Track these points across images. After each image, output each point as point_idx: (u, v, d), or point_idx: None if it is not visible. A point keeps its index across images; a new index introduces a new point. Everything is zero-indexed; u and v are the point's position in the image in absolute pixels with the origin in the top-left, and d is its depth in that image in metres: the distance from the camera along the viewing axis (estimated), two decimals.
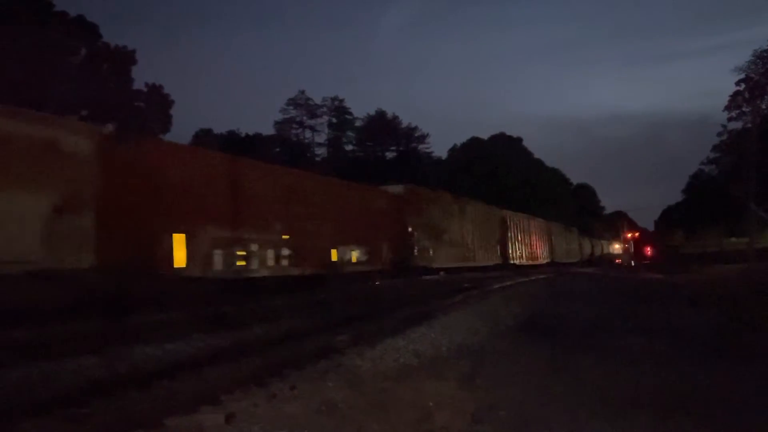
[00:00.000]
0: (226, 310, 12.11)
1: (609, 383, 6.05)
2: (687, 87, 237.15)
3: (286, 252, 17.45)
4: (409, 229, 25.71)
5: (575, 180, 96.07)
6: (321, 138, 76.87)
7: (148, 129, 36.40)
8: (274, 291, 15.62)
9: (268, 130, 72.93)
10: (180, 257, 13.77)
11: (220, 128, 66.10)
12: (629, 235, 72.33)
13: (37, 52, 29.36)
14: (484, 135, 77.39)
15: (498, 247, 38.64)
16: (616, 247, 76.20)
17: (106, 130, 12.97)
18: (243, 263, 15.73)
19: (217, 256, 14.83)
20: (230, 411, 4.68)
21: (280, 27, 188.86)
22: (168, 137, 39.41)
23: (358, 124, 77.51)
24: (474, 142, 75.71)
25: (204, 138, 58.60)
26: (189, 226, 14.09)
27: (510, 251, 40.03)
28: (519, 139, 79.29)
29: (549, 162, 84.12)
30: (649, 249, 65.95)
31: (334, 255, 20.19)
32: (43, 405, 5.08)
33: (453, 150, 77.62)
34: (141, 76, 61.71)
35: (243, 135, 65.18)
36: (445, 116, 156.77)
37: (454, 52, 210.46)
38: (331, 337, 9.01)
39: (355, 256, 21.41)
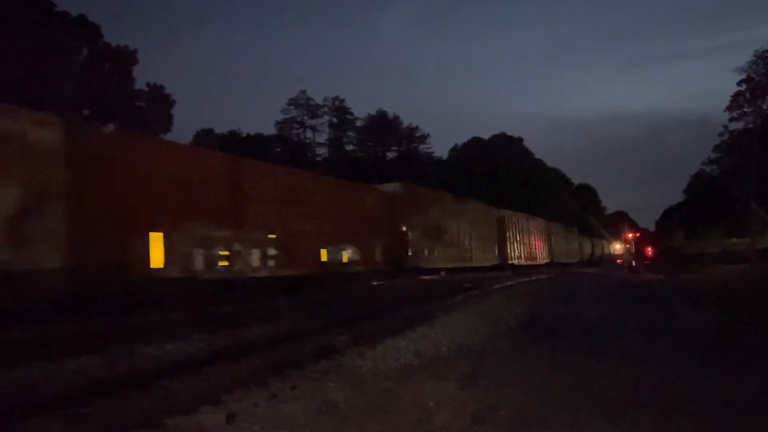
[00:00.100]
0: (225, 310, 12.13)
1: (610, 383, 6.04)
2: (688, 87, 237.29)
3: (272, 252, 16.84)
4: (404, 229, 25.28)
5: (576, 180, 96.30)
6: (322, 138, 77.13)
7: (149, 129, 36.45)
8: (259, 292, 15.19)
9: (269, 130, 73.17)
10: (157, 257, 13.18)
11: (221, 128, 66.34)
12: (630, 236, 72.24)
13: (38, 52, 29.41)
14: (485, 135, 77.57)
15: (496, 247, 38.35)
16: (617, 248, 76.15)
17: (74, 122, 12.51)
18: (226, 263, 15.12)
19: (198, 256, 14.22)
20: (231, 411, 4.68)
21: (281, 27, 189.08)
22: (169, 137, 39.50)
23: (358, 124, 77.73)
24: (475, 142, 75.76)
25: (205, 138, 58.70)
26: (167, 224, 13.49)
27: (508, 251, 39.67)
28: (520, 139, 79.41)
29: (550, 162, 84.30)
30: (649, 249, 65.83)
31: (324, 255, 19.61)
32: (43, 405, 5.09)
33: (454, 150, 77.73)
34: (142, 76, 61.75)
35: (244, 135, 65.28)
36: (446, 116, 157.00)
37: (455, 52, 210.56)
38: (331, 337, 9.02)
39: (346, 256, 20.86)
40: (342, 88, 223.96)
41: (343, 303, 14.88)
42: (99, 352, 7.52)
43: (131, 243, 12.76)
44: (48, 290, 10.56)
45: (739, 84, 55.49)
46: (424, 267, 26.60)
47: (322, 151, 75.99)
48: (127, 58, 40.20)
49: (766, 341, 8.89)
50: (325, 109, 76.50)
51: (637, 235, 73.41)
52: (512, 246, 40.63)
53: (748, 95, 54.50)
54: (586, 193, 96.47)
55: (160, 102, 43.29)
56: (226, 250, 15.14)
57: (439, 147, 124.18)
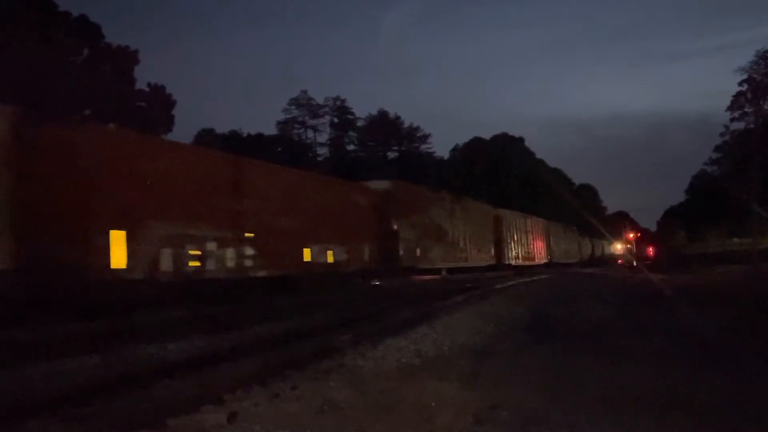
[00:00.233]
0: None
1: (611, 383, 6.04)
2: (689, 87, 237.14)
3: (249, 251, 15.93)
4: (394, 228, 24.39)
5: (577, 180, 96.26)
6: (323, 138, 77.14)
7: (150, 129, 36.47)
8: (234, 294, 14.48)
9: (271, 130, 73.19)
10: (119, 257, 12.22)
11: (222, 128, 66.31)
12: (631, 236, 72.23)
13: (39, 52, 29.42)
14: (486, 135, 77.61)
15: (492, 247, 37.57)
16: (618, 248, 76.14)
17: (24, 110, 11.65)
18: (197, 264, 14.18)
19: (166, 256, 13.26)
20: (232, 410, 4.68)
21: (281, 27, 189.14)
22: (170, 137, 39.56)
23: (359, 124, 77.75)
24: (476, 142, 75.79)
25: (206, 138, 58.74)
26: (131, 221, 12.56)
27: (505, 251, 38.90)
28: (521, 139, 79.42)
29: (551, 162, 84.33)
30: (651, 249, 65.79)
31: (307, 255, 18.69)
32: (45, 404, 5.09)
33: (455, 150, 77.76)
34: (143, 76, 61.81)
35: (245, 135, 65.30)
36: (447, 116, 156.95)
37: (455, 52, 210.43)
38: (333, 336, 9.02)
39: (331, 255, 19.96)
40: (343, 88, 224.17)
41: (341, 303, 14.88)
42: (100, 351, 7.54)
43: (89, 242, 11.86)
44: None
45: (740, 84, 55.51)
46: (416, 267, 25.91)
47: (323, 151, 76.09)
48: (128, 58, 40.21)
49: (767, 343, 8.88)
50: (326, 109, 76.59)
51: (638, 235, 73.46)
52: (509, 246, 39.95)
53: (749, 95, 54.51)
54: (587, 193, 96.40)
55: (161, 102, 43.32)
56: (197, 249, 14.22)
57: (440, 147, 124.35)
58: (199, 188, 14.69)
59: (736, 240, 52.51)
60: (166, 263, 13.24)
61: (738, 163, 53.94)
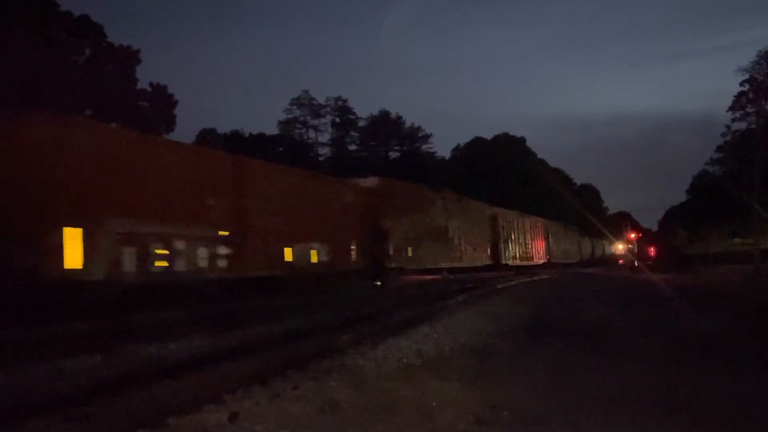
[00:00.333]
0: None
1: (612, 383, 6.04)
2: (691, 87, 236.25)
3: (224, 251, 15.02)
4: (384, 226, 23.42)
5: (578, 180, 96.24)
6: (324, 138, 77.08)
7: (151, 129, 36.51)
8: (206, 296, 13.54)
9: (272, 130, 73.16)
10: (74, 256, 11.35)
11: (223, 128, 66.31)
12: (632, 236, 72.14)
13: (41, 52, 29.45)
14: (488, 135, 77.61)
15: (488, 247, 36.77)
16: (619, 248, 76.02)
17: None
18: (164, 264, 13.24)
19: (128, 256, 12.35)
20: (233, 410, 4.69)
21: (283, 27, 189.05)
22: (172, 137, 39.60)
23: (361, 123, 77.71)
24: (477, 142, 75.79)
25: (208, 137, 58.77)
26: (88, 218, 11.70)
27: (502, 251, 38.07)
28: (522, 139, 79.38)
29: (552, 162, 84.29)
30: (652, 249, 65.69)
31: (288, 254, 17.74)
32: (46, 404, 5.10)
33: (456, 150, 77.73)
34: (145, 76, 61.92)
35: (247, 135, 65.31)
36: (449, 116, 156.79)
37: (457, 52, 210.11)
38: (334, 336, 9.02)
39: (315, 255, 19.06)
40: (344, 88, 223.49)
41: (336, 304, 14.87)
42: (101, 351, 7.55)
43: (40, 240, 11.00)
44: None
45: (742, 84, 55.52)
46: (406, 267, 25.14)
47: (324, 151, 76.08)
48: (129, 57, 40.28)
49: None
50: (328, 109, 76.55)
51: (640, 235, 73.27)
52: (506, 245, 39.13)
53: (751, 95, 54.52)
54: (589, 193, 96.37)
55: (162, 102, 43.37)
56: (164, 248, 13.31)
57: (442, 147, 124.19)
58: (167, 183, 13.75)
59: (737, 240, 52.40)
60: (128, 263, 12.34)
61: (739, 163, 53.96)
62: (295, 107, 75.14)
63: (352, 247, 21.74)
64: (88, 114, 32.90)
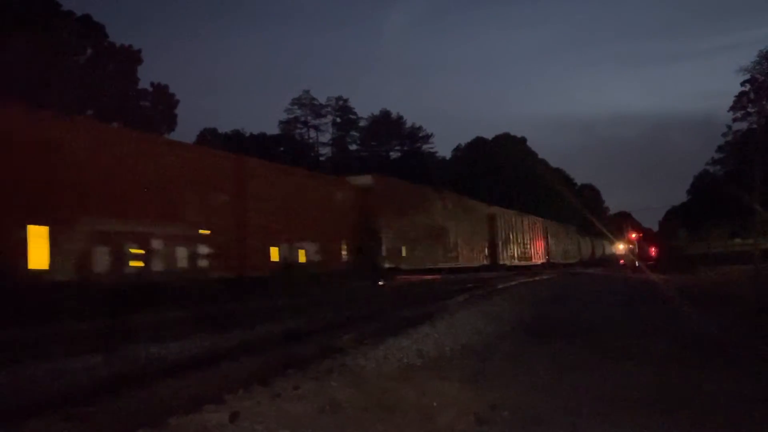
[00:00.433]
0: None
1: (612, 384, 6.05)
2: (692, 87, 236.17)
3: (205, 250, 14.34)
4: (377, 225, 22.63)
5: (579, 180, 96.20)
6: (325, 138, 77.11)
7: (152, 128, 36.54)
8: (185, 298, 12.74)
9: (273, 129, 73.22)
10: (39, 256, 10.79)
11: (224, 128, 66.34)
12: (633, 236, 72.12)
13: (42, 52, 29.48)
14: (488, 135, 77.52)
15: (486, 247, 35.89)
16: (620, 248, 75.97)
17: None
18: (140, 264, 12.64)
19: (100, 256, 11.72)
20: (234, 410, 4.70)
21: (284, 27, 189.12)
22: (173, 136, 39.64)
23: (362, 123, 77.72)
24: (478, 142, 75.75)
25: (209, 137, 58.80)
26: (55, 215, 11.10)
27: (499, 251, 37.20)
28: (523, 139, 79.34)
29: (553, 162, 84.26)
30: (653, 249, 65.66)
31: (274, 254, 17.10)
32: (48, 403, 5.11)
33: (457, 150, 77.73)
34: (146, 76, 61.91)
35: (248, 135, 65.33)
36: (450, 116, 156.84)
37: (458, 52, 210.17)
38: (335, 336, 9.04)
39: (303, 255, 18.32)
40: (345, 87, 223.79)
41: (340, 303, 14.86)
42: (103, 350, 7.56)
43: (1, 239, 10.47)
44: None
45: (743, 84, 55.52)
46: (399, 267, 24.24)
47: (325, 151, 76.11)
48: (131, 57, 40.32)
49: None
50: (329, 109, 76.59)
51: (640, 235, 73.30)
52: (504, 245, 38.28)
53: (752, 95, 54.52)
54: (589, 193, 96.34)
55: (164, 101, 43.42)
56: (140, 248, 12.70)
57: (443, 147, 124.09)
58: (144, 179, 13.07)
59: (738, 240, 52.40)
60: (100, 264, 11.70)
61: (740, 163, 53.94)
62: (296, 107, 75.26)
63: (343, 247, 21.03)
64: (89, 114, 32.94)
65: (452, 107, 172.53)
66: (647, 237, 74.61)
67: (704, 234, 55.98)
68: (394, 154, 77.05)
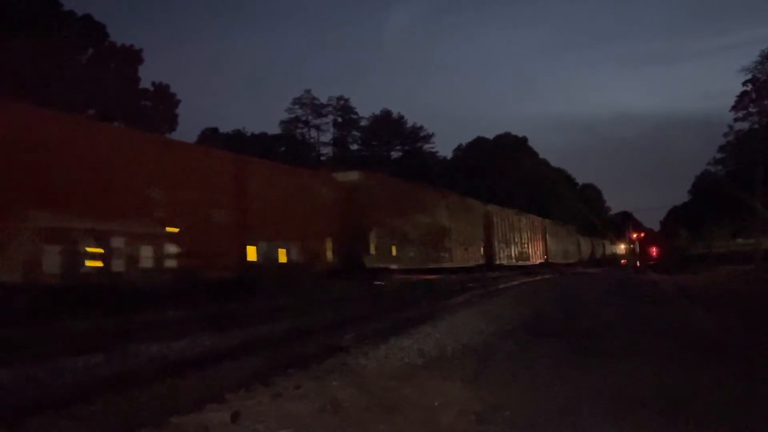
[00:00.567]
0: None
1: (614, 384, 6.04)
2: (693, 87, 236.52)
3: (172, 249, 13.51)
4: (365, 224, 21.63)
5: (581, 180, 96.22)
6: (326, 137, 77.17)
7: (153, 128, 36.56)
8: (150, 300, 12.19)
9: (274, 129, 73.28)
10: None
11: (226, 127, 66.42)
12: (634, 236, 72.09)
13: (43, 51, 29.50)
14: (490, 134, 77.63)
15: (481, 246, 34.63)
16: (621, 248, 75.96)
17: None
18: (98, 264, 11.80)
19: (51, 255, 10.93)
20: (235, 409, 4.70)
21: (285, 27, 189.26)
22: (174, 136, 39.66)
23: (363, 123, 77.75)
24: (479, 141, 75.79)
25: (210, 137, 58.85)
26: None
27: (496, 250, 36.07)
28: (524, 139, 79.39)
29: (554, 162, 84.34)
30: (654, 249, 65.69)
31: (251, 253, 16.18)
32: (49, 402, 5.11)
33: (458, 149, 77.76)
34: (147, 75, 61.88)
35: (249, 134, 65.39)
36: (451, 116, 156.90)
37: (459, 52, 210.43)
38: (336, 336, 9.03)
39: (284, 254, 17.40)
40: (346, 87, 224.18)
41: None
42: (104, 349, 7.56)
43: None
44: None
45: (744, 84, 55.44)
46: (389, 268, 23.15)
47: (326, 151, 76.15)
48: (132, 57, 40.34)
49: None
50: (330, 109, 76.63)
51: (642, 235, 73.30)
52: (500, 244, 37.08)
53: (753, 95, 54.44)
54: (591, 192, 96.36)
55: (165, 101, 43.45)
56: (98, 246, 11.83)
57: (444, 146, 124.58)
58: (102, 172, 12.19)
59: (739, 240, 52.42)
60: (50, 263, 10.89)
61: (742, 163, 53.88)
62: (297, 106, 75.30)
63: (328, 246, 20.02)
64: (91, 114, 32.97)
65: (453, 107, 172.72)
66: (649, 237, 74.60)
67: (706, 234, 56.06)
68: (395, 154, 77.14)
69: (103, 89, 35.17)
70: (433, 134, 78.71)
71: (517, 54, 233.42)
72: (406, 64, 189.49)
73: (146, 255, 12.80)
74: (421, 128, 78.60)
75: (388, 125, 77.03)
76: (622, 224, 78.50)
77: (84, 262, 11.51)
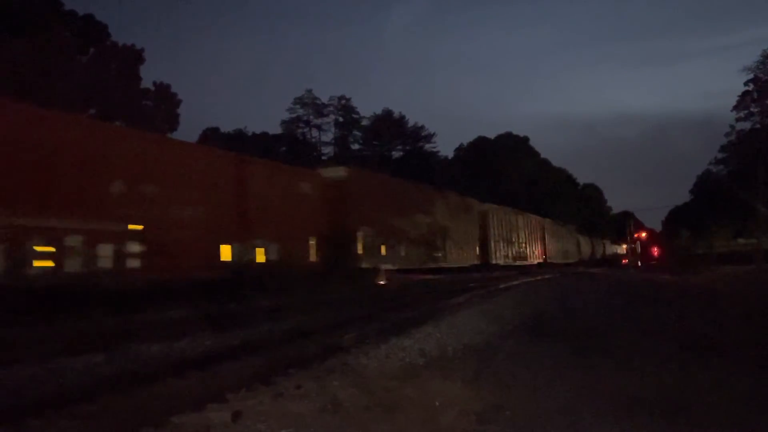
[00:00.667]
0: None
1: (614, 384, 6.04)
2: (695, 87, 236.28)
3: (136, 248, 12.61)
4: (352, 222, 20.88)
5: (582, 180, 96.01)
6: (328, 137, 77.03)
7: (155, 127, 36.57)
8: (109, 302, 10.85)
9: (275, 129, 73.23)
10: None
11: (227, 127, 66.40)
12: (636, 236, 72.04)
13: (45, 51, 29.51)
14: (491, 134, 77.52)
15: (477, 246, 34.19)
16: (623, 248, 75.85)
17: None
18: (48, 264, 11.05)
19: None
20: (237, 409, 4.70)
21: (287, 26, 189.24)
22: (175, 136, 39.65)
23: (364, 123, 77.63)
24: (480, 141, 75.71)
25: (211, 136, 58.84)
26: None
27: (492, 250, 35.54)
28: (525, 139, 79.28)
29: (555, 162, 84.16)
30: (656, 249, 65.66)
31: (225, 253, 15.26)
32: (51, 402, 5.11)
33: (459, 149, 77.70)
34: (149, 75, 61.98)
35: (250, 134, 65.37)
36: (452, 115, 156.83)
37: (460, 52, 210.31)
38: (337, 336, 9.03)
39: (262, 254, 16.59)
40: (348, 87, 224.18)
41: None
42: (106, 349, 7.56)
43: None
44: None
45: (746, 84, 55.42)
46: (378, 268, 22.26)
47: (327, 150, 76.06)
48: (133, 56, 40.33)
49: None
50: (331, 108, 76.48)
51: (643, 235, 73.23)
52: (497, 244, 36.52)
53: (755, 95, 54.41)
54: (592, 192, 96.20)
55: (166, 101, 43.44)
56: (49, 245, 11.13)
57: (445, 146, 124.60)
58: (56, 167, 11.37)
59: (741, 240, 52.34)
60: None
61: (743, 163, 53.81)
62: (298, 106, 75.14)
63: (311, 245, 19.16)
64: (92, 113, 32.99)
65: (454, 107, 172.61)
66: (650, 237, 74.54)
67: (707, 234, 55.95)
68: (396, 154, 77.02)
69: (104, 89, 35.17)
70: (434, 134, 78.62)
71: (518, 53, 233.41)
72: (407, 64, 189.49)
73: (105, 254, 11.92)
74: (422, 128, 78.51)
75: (390, 125, 76.91)
76: (623, 224, 78.37)
77: (32, 262, 10.72)
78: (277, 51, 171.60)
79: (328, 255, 19.60)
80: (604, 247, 77.61)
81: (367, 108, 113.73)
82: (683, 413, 4.97)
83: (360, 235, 21.24)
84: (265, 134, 66.76)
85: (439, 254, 28.88)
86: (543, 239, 47.77)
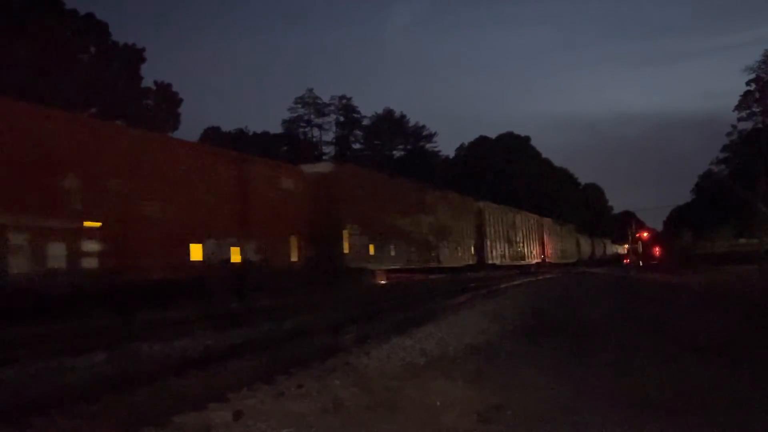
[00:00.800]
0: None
1: (617, 384, 6.03)
2: (696, 87, 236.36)
3: (93, 247, 11.71)
4: (338, 220, 20.10)
5: (583, 180, 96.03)
6: (329, 137, 77.09)
7: (156, 127, 36.58)
8: (59, 305, 10.39)
9: (276, 128, 73.21)
10: None
11: (228, 126, 66.38)
12: (637, 235, 71.95)
13: (46, 50, 29.53)
14: (492, 134, 77.53)
15: (472, 245, 33.14)
16: (624, 247, 75.74)
17: None
18: None
19: None
20: (238, 408, 4.70)
21: (288, 26, 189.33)
22: (176, 135, 39.66)
23: (365, 122, 77.68)
24: (482, 141, 75.72)
25: (212, 135, 58.86)
26: None
27: (488, 249, 34.53)
28: (527, 138, 79.27)
29: (557, 161, 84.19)
30: (657, 249, 65.52)
31: (196, 252, 14.46)
32: (52, 401, 5.11)
33: (460, 149, 77.72)
34: (150, 75, 62.02)
35: (251, 133, 65.39)
36: (453, 115, 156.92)
37: (462, 51, 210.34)
38: (338, 336, 9.03)
39: (237, 253, 15.79)
40: (349, 86, 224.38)
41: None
42: (107, 348, 7.57)
43: None
44: None
45: (748, 84, 55.41)
46: (367, 268, 21.56)
47: (328, 150, 76.09)
48: (134, 56, 40.36)
49: None
50: (332, 108, 76.54)
51: (644, 235, 73.12)
52: (493, 243, 35.49)
53: (757, 95, 54.39)
54: (593, 192, 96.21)
55: (167, 100, 43.46)
56: None
57: (446, 146, 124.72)
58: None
59: (742, 240, 52.24)
60: None
61: (745, 162, 53.81)
62: (299, 106, 75.21)
63: (292, 244, 18.32)
64: (93, 112, 33.01)
65: (456, 106, 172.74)
66: (651, 237, 74.43)
67: (709, 234, 55.88)
68: (397, 153, 77.06)
69: (105, 88, 35.19)
70: (435, 133, 78.70)
71: (519, 53, 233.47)
72: (408, 64, 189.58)
73: (56, 253, 11.07)
74: (423, 127, 78.58)
75: (391, 124, 76.97)
76: (624, 224, 78.30)
77: None
78: (278, 51, 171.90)
79: (311, 254, 18.82)
80: (605, 246, 77.54)
81: (367, 108, 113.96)
82: (684, 413, 4.96)
83: (346, 233, 20.47)
84: (266, 134, 66.79)
85: (433, 254, 27.98)
86: (542, 238, 47.35)
